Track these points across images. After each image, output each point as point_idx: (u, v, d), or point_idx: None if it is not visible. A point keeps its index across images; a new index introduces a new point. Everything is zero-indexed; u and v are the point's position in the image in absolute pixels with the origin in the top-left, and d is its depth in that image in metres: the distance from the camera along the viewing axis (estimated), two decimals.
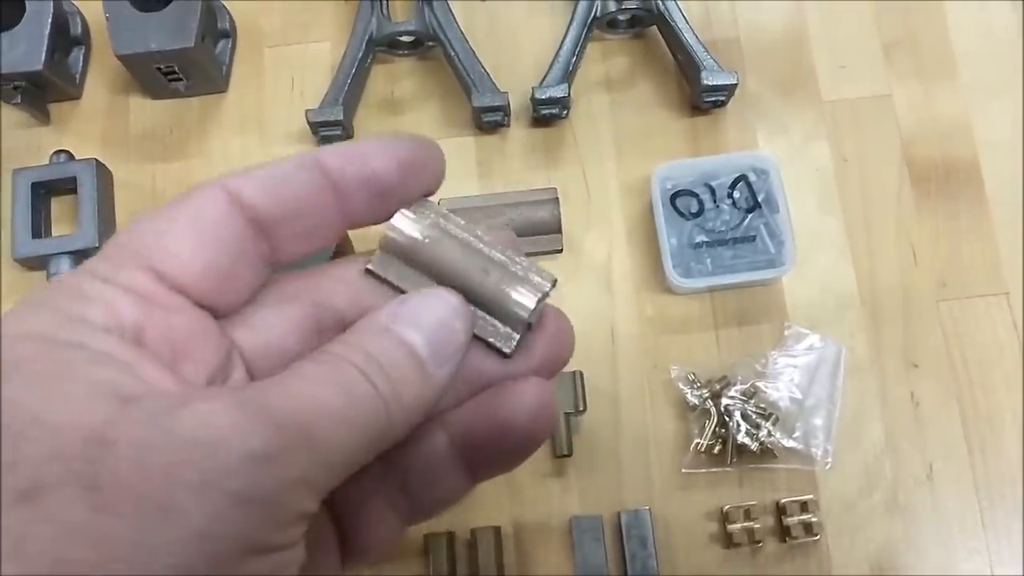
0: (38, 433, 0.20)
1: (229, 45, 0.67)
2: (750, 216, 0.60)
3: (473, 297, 0.27)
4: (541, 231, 0.62)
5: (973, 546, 0.57)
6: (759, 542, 0.56)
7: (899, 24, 0.67)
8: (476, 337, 0.27)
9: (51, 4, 0.61)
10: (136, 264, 0.24)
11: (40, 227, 0.62)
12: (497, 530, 0.57)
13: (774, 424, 0.58)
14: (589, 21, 0.63)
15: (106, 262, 0.24)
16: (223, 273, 0.25)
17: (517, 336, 0.27)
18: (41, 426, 0.20)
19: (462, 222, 0.28)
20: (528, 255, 0.59)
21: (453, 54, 0.63)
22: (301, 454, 0.21)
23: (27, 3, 0.61)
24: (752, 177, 0.60)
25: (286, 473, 0.21)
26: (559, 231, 0.62)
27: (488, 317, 0.27)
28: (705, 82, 0.61)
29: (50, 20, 0.61)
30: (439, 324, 0.26)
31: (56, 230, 0.64)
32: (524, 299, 0.27)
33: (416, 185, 0.27)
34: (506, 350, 0.27)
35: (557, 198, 0.62)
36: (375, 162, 0.26)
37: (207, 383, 0.25)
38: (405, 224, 0.27)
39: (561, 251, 0.62)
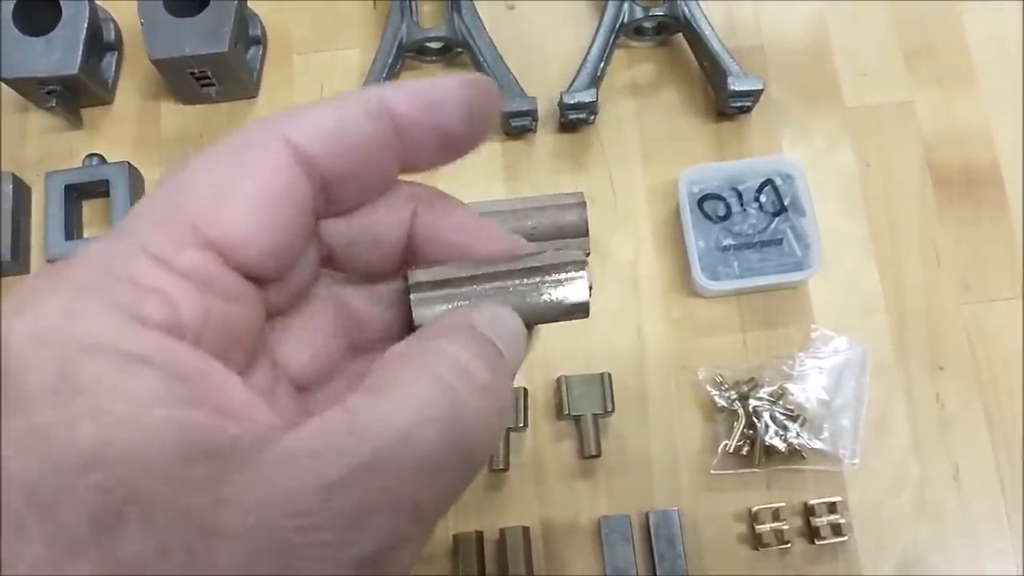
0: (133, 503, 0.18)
1: (260, 52, 0.68)
2: (777, 219, 0.61)
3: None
4: (568, 235, 0.63)
5: (1000, 547, 0.57)
6: (787, 543, 0.56)
7: (918, 32, 0.68)
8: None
9: (87, 9, 0.62)
10: (195, 240, 0.21)
11: (72, 229, 0.63)
12: (526, 530, 0.57)
13: (802, 425, 0.58)
14: (616, 27, 0.64)
15: (161, 234, 0.21)
16: (286, 248, 0.22)
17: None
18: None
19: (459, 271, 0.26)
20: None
21: (481, 59, 0.64)
22: (396, 515, 0.19)
23: (63, 9, 0.62)
24: (778, 181, 0.61)
25: (377, 544, 0.19)
26: (586, 235, 0.63)
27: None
28: (732, 88, 0.61)
29: (86, 26, 0.62)
30: (516, 335, 0.24)
31: (88, 232, 0.64)
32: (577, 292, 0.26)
33: (479, 131, 0.25)
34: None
35: (584, 202, 0.63)
36: (449, 113, 0.24)
37: (242, 370, 0.23)
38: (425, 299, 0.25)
39: (588, 255, 0.63)
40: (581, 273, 0.26)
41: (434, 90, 0.23)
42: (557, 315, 0.26)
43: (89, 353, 0.18)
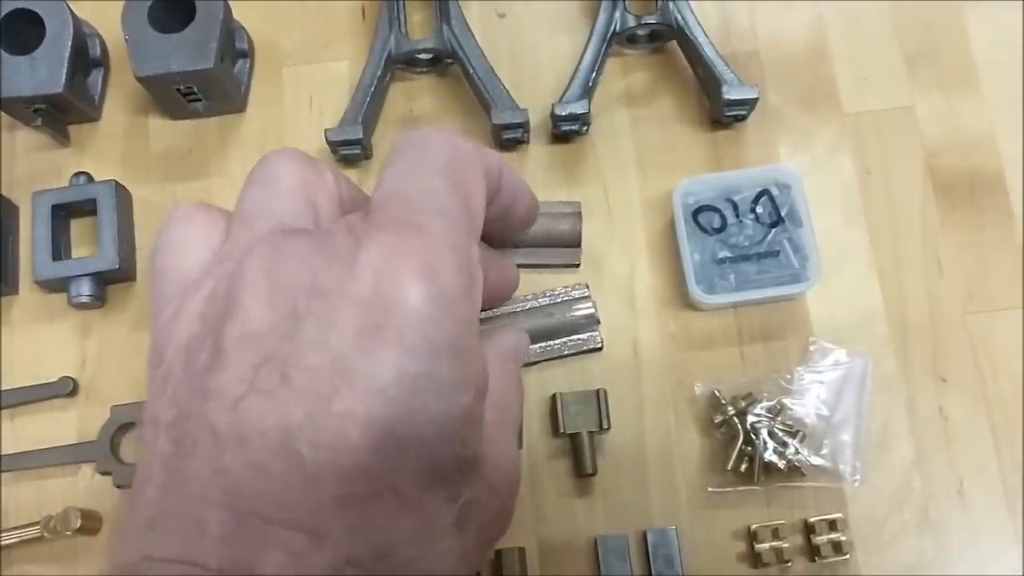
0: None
1: (247, 65, 0.67)
2: (773, 231, 0.59)
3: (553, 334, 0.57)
4: (560, 244, 0.61)
5: (1007, 564, 0.56)
6: (787, 562, 0.55)
7: (920, 35, 0.66)
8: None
9: (71, 27, 0.61)
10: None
11: (60, 249, 0.62)
12: (522, 551, 0.56)
13: (801, 441, 0.57)
14: (608, 36, 0.62)
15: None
16: None
17: (597, 334, 0.58)
18: None
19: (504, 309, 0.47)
20: (546, 266, 0.60)
21: (472, 71, 0.63)
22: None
23: (47, 26, 0.61)
24: (775, 191, 0.60)
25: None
26: (579, 245, 0.61)
27: (571, 337, 0.58)
28: (726, 96, 0.60)
29: (70, 43, 0.61)
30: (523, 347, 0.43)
31: (76, 252, 0.64)
32: (584, 310, 0.58)
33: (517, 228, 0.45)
34: (599, 346, 0.59)
35: (579, 212, 0.62)
36: (528, 212, 0.43)
37: None
38: None
39: (578, 266, 0.61)
40: (584, 290, 0.58)
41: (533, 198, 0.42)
42: (573, 328, 0.58)
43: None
